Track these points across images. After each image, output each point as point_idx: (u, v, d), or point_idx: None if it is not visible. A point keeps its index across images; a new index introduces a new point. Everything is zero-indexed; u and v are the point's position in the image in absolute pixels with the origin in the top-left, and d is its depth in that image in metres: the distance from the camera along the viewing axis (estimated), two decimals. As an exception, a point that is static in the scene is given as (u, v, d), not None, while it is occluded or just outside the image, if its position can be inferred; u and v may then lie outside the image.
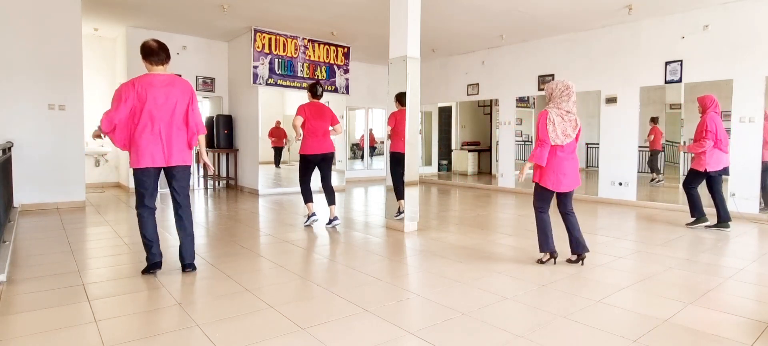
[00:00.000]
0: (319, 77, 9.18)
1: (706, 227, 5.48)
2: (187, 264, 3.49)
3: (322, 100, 5.46)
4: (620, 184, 7.70)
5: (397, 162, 5.59)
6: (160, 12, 7.45)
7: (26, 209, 6.17)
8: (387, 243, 4.67)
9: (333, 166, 10.56)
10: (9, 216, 5.02)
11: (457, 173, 11.90)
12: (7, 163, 5.27)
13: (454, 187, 10.51)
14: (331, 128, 5.39)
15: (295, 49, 8.83)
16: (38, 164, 6.30)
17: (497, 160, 9.97)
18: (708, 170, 5.29)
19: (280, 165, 13.56)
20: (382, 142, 12.53)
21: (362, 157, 12.55)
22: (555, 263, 3.85)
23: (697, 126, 5.39)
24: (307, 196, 5.40)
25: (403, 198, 5.35)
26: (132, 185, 8.66)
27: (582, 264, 3.81)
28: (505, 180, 9.55)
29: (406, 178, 5.28)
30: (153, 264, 3.40)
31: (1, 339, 2.32)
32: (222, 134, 9.18)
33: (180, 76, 3.50)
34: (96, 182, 9.04)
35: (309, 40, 8.99)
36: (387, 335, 2.43)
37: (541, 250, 3.84)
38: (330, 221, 5.32)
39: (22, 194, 6.17)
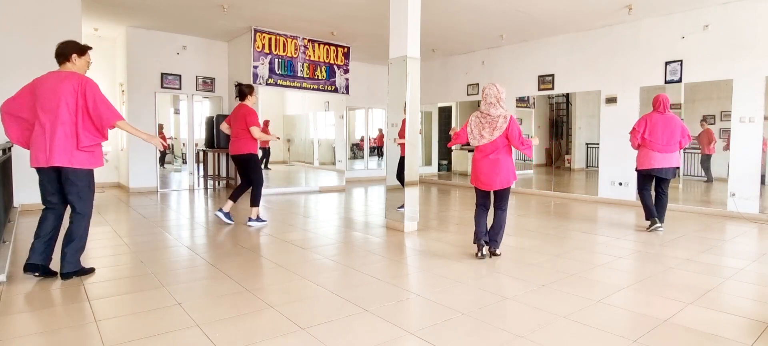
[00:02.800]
0: (319, 77, 9.18)
1: (654, 223, 5.28)
2: (64, 273, 3.23)
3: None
4: (620, 184, 7.70)
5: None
6: (160, 12, 7.45)
7: (26, 209, 6.17)
8: (387, 243, 4.67)
9: (334, 166, 10.61)
10: (9, 216, 5.02)
11: (457, 173, 11.90)
12: (7, 163, 5.27)
13: (454, 187, 10.51)
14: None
15: (295, 49, 8.83)
16: (38, 164, 6.29)
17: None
18: (637, 169, 5.29)
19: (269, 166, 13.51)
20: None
21: (362, 157, 12.56)
22: (480, 256, 3.97)
23: None
24: (235, 196, 5.48)
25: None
26: (132, 184, 8.70)
27: (489, 257, 4.01)
28: (505, 180, 9.54)
29: (406, 178, 5.32)
30: (28, 265, 3.20)
31: (1, 339, 2.32)
32: (222, 134, 9.17)
33: (77, 72, 3.25)
34: (96, 182, 9.02)
35: (309, 40, 8.99)
36: (387, 335, 2.43)
37: (473, 242, 4.05)
38: (224, 215, 5.46)
39: (22, 194, 6.17)
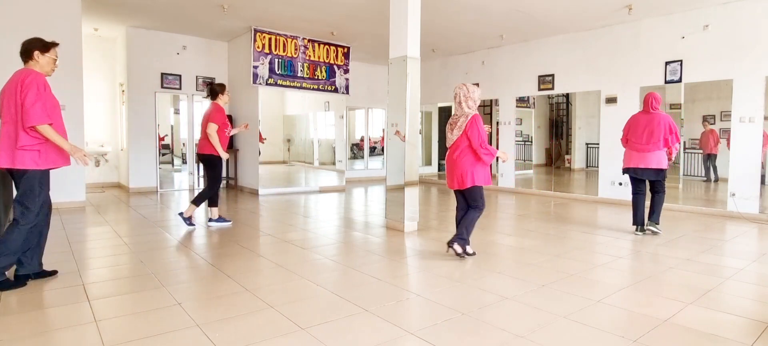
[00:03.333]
0: (319, 77, 9.18)
1: (638, 231, 5.13)
2: None
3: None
4: (620, 184, 7.70)
5: None
6: (160, 12, 7.45)
7: (26, 209, 6.17)
8: (387, 243, 4.67)
9: (334, 166, 10.61)
10: (9, 216, 5.01)
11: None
12: (7, 163, 5.26)
13: (454, 187, 10.49)
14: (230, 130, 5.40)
15: (295, 49, 8.83)
16: (38, 164, 6.29)
17: (497, 161, 9.96)
18: (622, 168, 5.23)
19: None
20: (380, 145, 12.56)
21: (362, 157, 12.55)
22: (450, 253, 4.05)
23: None
24: (212, 201, 5.36)
25: None
26: (132, 184, 8.69)
27: (454, 254, 3.98)
28: (505, 180, 9.55)
29: (406, 177, 5.31)
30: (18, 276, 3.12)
31: (2, 340, 2.32)
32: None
33: (31, 70, 3.11)
34: (96, 182, 9.03)
35: (309, 40, 8.99)
36: (387, 335, 2.43)
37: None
38: (184, 218, 5.20)
39: (22, 194, 6.16)
